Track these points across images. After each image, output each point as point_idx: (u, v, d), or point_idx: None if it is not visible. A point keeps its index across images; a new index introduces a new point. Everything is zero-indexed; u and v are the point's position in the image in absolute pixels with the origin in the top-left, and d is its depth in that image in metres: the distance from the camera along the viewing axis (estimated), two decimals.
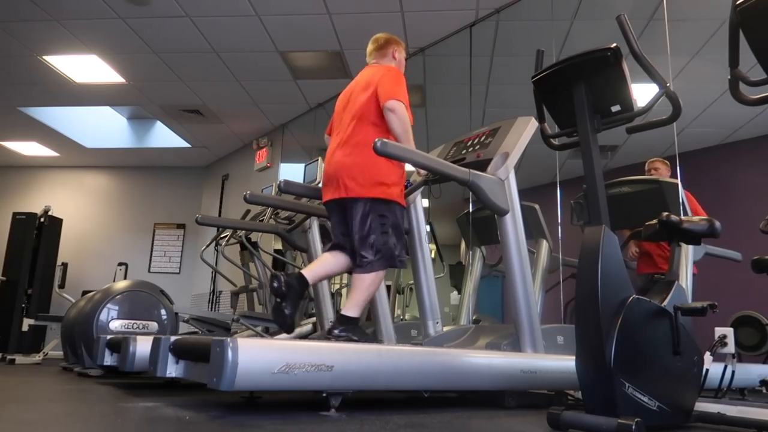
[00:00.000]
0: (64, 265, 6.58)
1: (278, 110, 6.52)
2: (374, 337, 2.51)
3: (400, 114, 2.37)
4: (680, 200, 2.93)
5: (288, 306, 2.31)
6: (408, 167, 2.57)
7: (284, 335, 3.43)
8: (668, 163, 3.86)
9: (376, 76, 2.49)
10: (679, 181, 3.07)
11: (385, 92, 2.40)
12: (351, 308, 2.37)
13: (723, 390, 2.06)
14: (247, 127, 7.04)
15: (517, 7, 4.36)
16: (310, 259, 3.73)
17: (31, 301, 6.05)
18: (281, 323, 2.33)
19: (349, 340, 2.29)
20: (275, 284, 2.30)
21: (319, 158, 3.73)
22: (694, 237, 1.97)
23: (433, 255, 4.32)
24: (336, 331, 2.33)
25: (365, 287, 2.40)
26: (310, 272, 2.42)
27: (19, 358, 5.13)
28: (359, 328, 2.39)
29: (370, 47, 2.72)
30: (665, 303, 1.71)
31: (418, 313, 2.93)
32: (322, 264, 2.51)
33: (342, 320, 2.35)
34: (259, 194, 3.25)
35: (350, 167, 2.42)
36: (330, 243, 2.62)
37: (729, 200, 4.97)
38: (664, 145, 4.04)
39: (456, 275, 5.40)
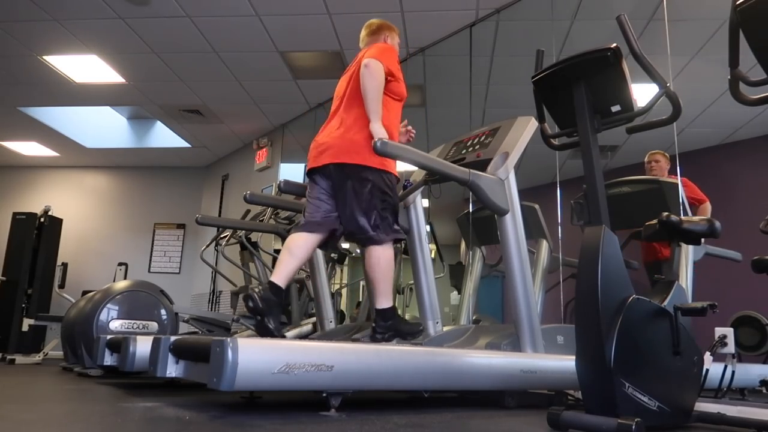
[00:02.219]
0: (64, 265, 6.58)
1: (278, 110, 6.53)
2: (419, 327, 2.50)
3: (372, 69, 2.26)
4: (680, 200, 2.93)
5: (271, 320, 2.22)
6: (408, 167, 2.56)
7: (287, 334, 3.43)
8: (668, 155, 3.87)
9: (367, 52, 2.44)
10: (679, 181, 3.07)
11: (372, 54, 2.34)
12: (381, 300, 2.35)
13: (723, 390, 2.06)
14: (247, 127, 7.04)
15: (517, 7, 4.36)
16: (310, 259, 3.73)
17: (31, 301, 6.05)
18: (375, 339, 2.32)
19: (397, 333, 2.33)
20: (251, 304, 2.20)
21: None
22: (694, 237, 1.97)
23: (433, 255, 4.32)
24: (378, 336, 2.33)
25: (380, 271, 2.34)
26: (279, 277, 2.30)
27: (19, 358, 5.13)
28: (400, 317, 2.38)
29: (363, 33, 2.70)
30: (665, 303, 1.71)
31: (418, 313, 2.93)
32: (285, 263, 2.35)
33: (380, 316, 2.34)
34: (259, 194, 3.25)
35: (340, 141, 2.38)
36: (299, 224, 2.49)
37: (729, 200, 4.97)
38: (664, 145, 4.03)
39: (456, 275, 5.39)
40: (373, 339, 2.37)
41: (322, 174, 2.45)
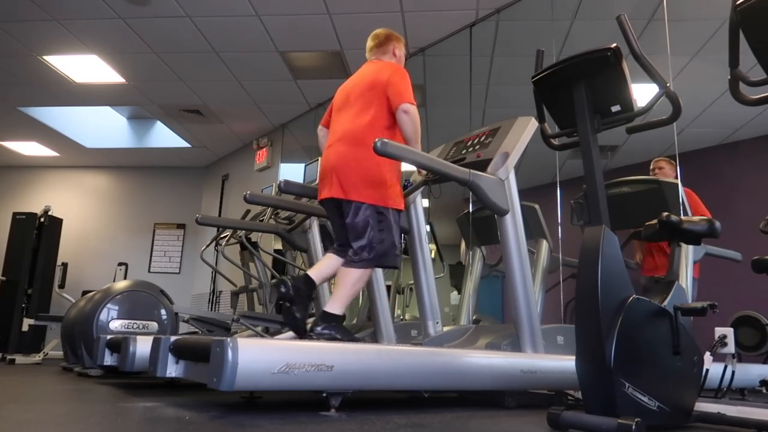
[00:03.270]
0: (64, 265, 6.58)
1: (278, 110, 6.53)
2: (354, 336, 2.47)
3: (413, 116, 2.42)
4: (680, 200, 2.93)
5: (299, 309, 2.28)
6: (409, 167, 2.56)
7: (284, 335, 3.43)
8: (673, 162, 3.86)
9: (382, 74, 2.47)
10: (679, 181, 3.07)
11: (398, 94, 2.41)
12: (335, 305, 2.33)
13: (723, 390, 2.06)
14: (247, 127, 7.04)
15: (517, 7, 4.36)
16: (310, 259, 3.73)
17: (31, 301, 6.05)
18: (294, 328, 2.31)
19: (332, 338, 2.25)
20: (282, 289, 2.26)
21: (319, 158, 3.73)
22: (694, 237, 1.97)
23: (433, 255, 4.32)
24: (318, 329, 2.29)
25: (351, 284, 2.36)
26: (316, 273, 2.41)
27: (19, 358, 5.14)
28: (343, 327, 2.35)
29: (370, 43, 2.70)
30: (665, 303, 1.71)
31: (418, 313, 2.93)
32: (328, 264, 2.49)
33: (324, 317, 2.31)
34: (259, 194, 3.25)
35: (348, 164, 2.40)
36: (334, 242, 2.61)
37: (729, 200, 4.96)
38: (664, 145, 4.03)
39: (456, 275, 5.40)
40: (310, 331, 2.34)
41: (328, 203, 2.52)
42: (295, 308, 2.28)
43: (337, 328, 2.31)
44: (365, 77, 2.55)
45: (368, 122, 2.43)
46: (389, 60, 2.64)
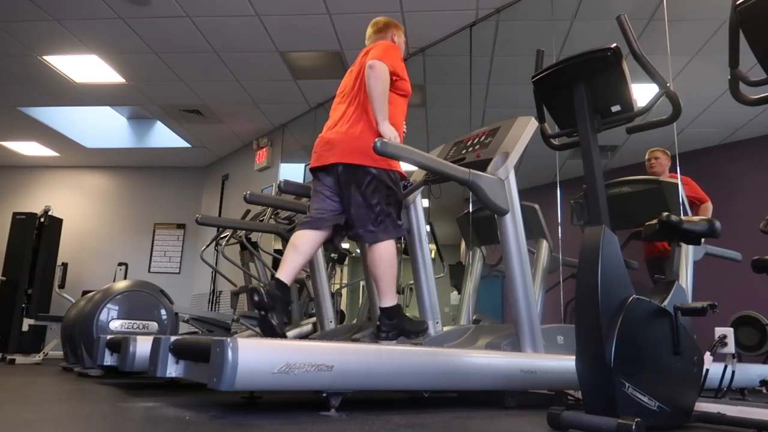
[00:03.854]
0: (64, 265, 6.58)
1: (278, 110, 6.53)
2: (424, 325, 2.50)
3: (377, 71, 2.27)
4: (680, 200, 2.93)
5: (275, 316, 2.23)
6: (409, 167, 2.56)
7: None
8: (668, 152, 3.88)
9: (373, 50, 2.44)
10: (679, 181, 3.07)
11: (375, 54, 2.35)
12: (385, 298, 2.34)
13: (723, 390, 2.06)
14: (247, 127, 7.04)
15: (517, 7, 4.36)
16: (310, 259, 3.72)
17: (31, 301, 6.05)
18: (271, 335, 2.24)
19: (402, 332, 2.32)
20: (256, 299, 2.20)
21: None
22: (694, 237, 1.97)
23: (433, 255, 4.32)
24: (383, 334, 2.32)
25: (384, 268, 2.34)
26: (284, 273, 2.32)
27: (19, 358, 5.13)
28: (406, 317, 2.37)
29: (369, 30, 2.71)
30: (665, 303, 1.71)
31: (418, 313, 2.93)
32: (291, 260, 2.37)
33: (385, 314, 2.33)
34: (259, 194, 3.26)
35: (349, 137, 2.39)
36: (304, 221, 2.50)
37: (729, 200, 4.96)
38: (664, 145, 4.03)
39: (456, 275, 5.39)
40: (378, 337, 2.37)
41: (327, 172, 2.46)
42: (270, 316, 2.22)
43: (400, 319, 2.34)
44: (359, 62, 2.57)
45: (365, 101, 2.42)
46: None
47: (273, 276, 2.30)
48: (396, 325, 2.37)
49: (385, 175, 2.40)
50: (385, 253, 2.36)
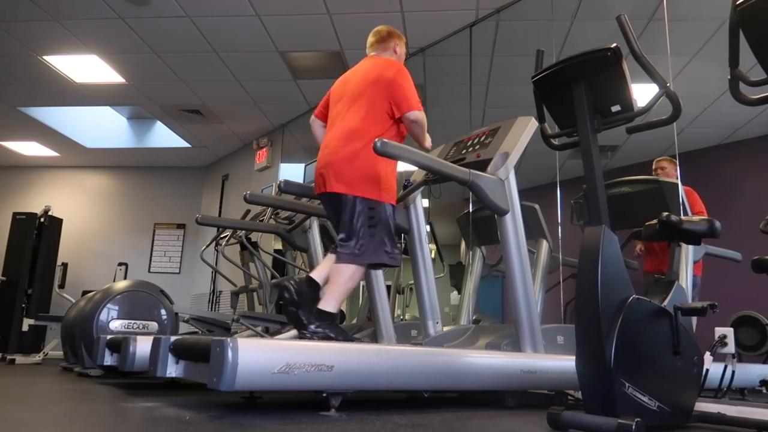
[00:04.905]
0: (64, 265, 6.58)
1: (278, 110, 6.53)
2: (349, 336, 2.41)
3: (422, 124, 2.45)
4: (680, 200, 2.93)
5: (304, 312, 2.23)
6: (408, 167, 2.56)
7: (284, 335, 3.43)
8: (675, 161, 3.86)
9: (387, 72, 2.45)
10: (679, 181, 3.07)
11: (405, 99, 2.42)
12: (328, 302, 2.28)
13: (723, 390, 2.06)
14: (247, 127, 7.04)
15: (517, 7, 4.36)
16: (310, 259, 3.73)
17: (31, 301, 6.05)
18: (301, 330, 2.24)
19: (326, 337, 2.22)
20: (287, 295, 2.22)
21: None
22: (694, 237, 1.97)
23: (433, 255, 4.32)
24: (312, 327, 2.24)
25: (343, 280, 2.31)
26: (318, 274, 2.37)
27: (19, 358, 5.13)
28: (338, 326, 2.31)
29: (371, 39, 2.69)
30: (665, 303, 1.71)
31: (418, 313, 2.93)
32: (328, 267, 2.42)
33: (319, 315, 2.26)
34: (259, 194, 3.26)
35: (345, 159, 2.38)
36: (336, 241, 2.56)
37: (729, 200, 4.97)
38: (664, 145, 4.03)
39: (456, 275, 5.40)
40: (301, 336, 2.30)
41: (325, 199, 2.52)
42: (301, 312, 2.23)
43: (331, 326, 2.26)
44: (366, 73, 2.53)
45: (367, 119, 2.42)
46: (389, 56, 2.63)
47: (273, 276, 2.30)
48: (324, 328, 2.29)
49: (375, 204, 2.38)
50: (353, 273, 2.34)
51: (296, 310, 2.24)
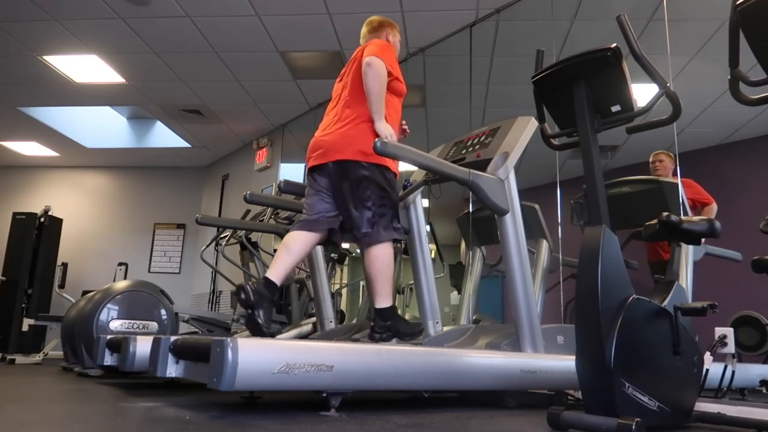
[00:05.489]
0: (64, 265, 6.58)
1: (278, 110, 6.53)
2: (419, 325, 2.48)
3: (375, 68, 2.26)
4: (680, 200, 2.93)
5: (261, 314, 2.20)
6: (408, 167, 2.56)
7: (284, 335, 3.43)
8: (672, 155, 3.87)
9: (367, 47, 2.44)
10: (679, 181, 3.07)
11: (368, 52, 2.33)
12: (380, 300, 2.33)
13: (723, 390, 2.06)
14: (247, 127, 7.04)
15: (517, 7, 4.36)
16: (310, 259, 3.73)
17: (31, 301, 6.05)
18: (258, 334, 2.21)
19: (397, 334, 2.30)
20: (243, 296, 2.19)
21: None
22: (694, 237, 1.97)
23: (433, 255, 4.32)
24: (377, 335, 2.31)
25: (379, 268, 2.32)
26: (274, 273, 2.31)
27: (19, 358, 5.13)
28: (400, 318, 2.35)
29: (364, 29, 2.70)
30: (665, 303, 1.71)
31: (418, 313, 2.93)
32: (281, 260, 2.36)
33: (379, 315, 2.31)
34: (259, 194, 3.26)
35: (346, 137, 2.37)
36: (298, 222, 2.50)
37: (729, 200, 4.96)
38: (664, 145, 4.03)
39: (456, 275, 5.40)
40: (372, 338, 2.36)
41: (321, 172, 2.45)
42: (256, 313, 2.20)
43: (394, 322, 2.33)
44: (352, 61, 2.55)
45: (357, 98, 2.41)
46: None
47: (239, 287, 2.28)
48: (391, 326, 2.36)
49: (378, 173, 2.36)
50: (380, 254, 2.34)
51: (252, 312, 2.20)
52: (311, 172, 2.49)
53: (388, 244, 2.37)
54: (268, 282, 2.27)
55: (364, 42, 2.67)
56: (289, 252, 2.37)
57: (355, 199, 2.34)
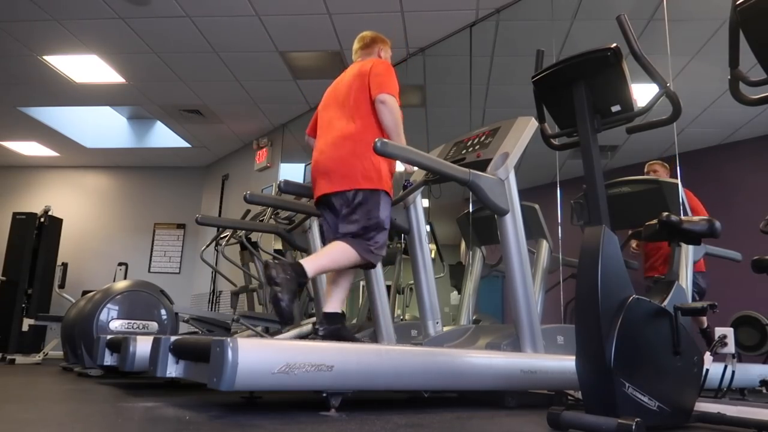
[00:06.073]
0: (64, 265, 6.58)
1: (278, 110, 6.53)
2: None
3: (391, 106, 2.40)
4: (680, 200, 2.93)
5: (286, 295, 2.15)
6: (409, 167, 2.56)
7: (284, 335, 3.43)
8: (667, 165, 3.87)
9: (365, 67, 2.50)
10: (679, 181, 3.07)
11: (377, 84, 2.41)
12: (308, 264, 2.25)
13: (723, 390, 2.06)
14: (247, 127, 7.04)
15: (517, 7, 4.36)
16: None
17: (31, 301, 6.05)
18: (278, 312, 2.16)
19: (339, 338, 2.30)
20: (272, 273, 2.16)
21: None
22: (694, 237, 1.97)
23: (433, 255, 4.32)
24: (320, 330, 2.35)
25: (332, 253, 2.31)
26: (310, 264, 2.30)
27: (19, 358, 5.13)
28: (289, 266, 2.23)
29: (356, 45, 2.73)
30: (665, 303, 1.71)
31: (418, 313, 2.93)
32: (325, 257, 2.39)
33: (298, 270, 2.21)
34: (259, 194, 3.25)
35: (343, 162, 2.41)
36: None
37: (729, 200, 4.97)
38: (664, 145, 4.04)
39: (456, 275, 5.40)
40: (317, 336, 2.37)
41: (325, 200, 2.51)
42: (281, 293, 2.15)
43: (294, 273, 2.23)
44: (352, 77, 2.56)
45: (356, 119, 2.44)
46: None
47: (266, 263, 2.28)
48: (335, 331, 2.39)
49: (372, 201, 2.40)
50: (345, 250, 2.33)
51: (278, 289, 2.16)
52: (317, 200, 2.56)
53: (354, 251, 2.36)
54: (299, 266, 2.23)
55: (357, 58, 2.71)
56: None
57: (344, 219, 2.44)
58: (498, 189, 2.44)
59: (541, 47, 1.94)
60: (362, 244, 2.38)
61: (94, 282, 6.58)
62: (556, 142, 1.98)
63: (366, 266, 2.49)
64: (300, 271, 2.22)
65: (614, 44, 1.64)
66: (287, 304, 2.15)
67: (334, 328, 2.40)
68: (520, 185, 2.54)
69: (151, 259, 8.39)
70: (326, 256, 2.33)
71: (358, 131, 2.42)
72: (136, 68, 5.61)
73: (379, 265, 2.98)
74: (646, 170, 3.91)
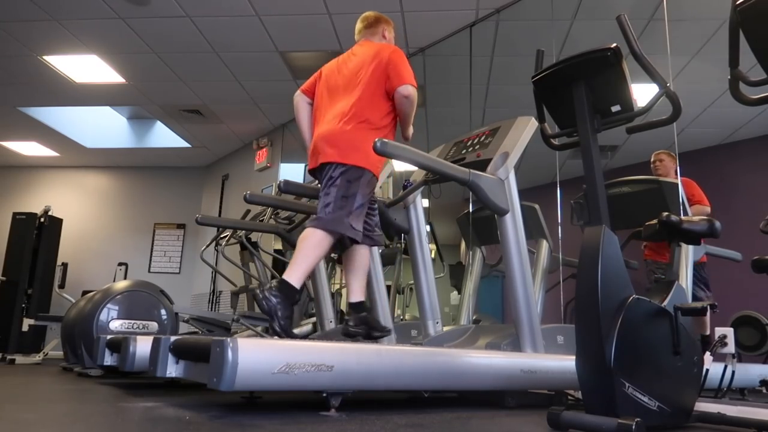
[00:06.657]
0: (64, 265, 6.58)
1: (278, 110, 6.52)
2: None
3: (412, 100, 2.44)
4: (680, 200, 2.93)
5: (285, 322, 2.15)
6: (408, 167, 2.56)
7: None
8: (674, 155, 3.86)
9: (382, 53, 2.44)
10: (679, 181, 3.07)
11: (398, 75, 2.40)
12: (290, 272, 2.20)
13: (723, 390, 2.06)
14: (247, 127, 7.04)
15: (517, 7, 4.36)
16: None
17: (31, 301, 6.05)
18: (286, 336, 2.14)
19: (369, 328, 2.37)
20: (264, 305, 2.13)
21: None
22: (694, 237, 1.97)
23: (433, 255, 4.32)
24: (351, 329, 2.39)
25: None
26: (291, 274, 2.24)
27: (19, 358, 5.14)
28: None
29: (359, 25, 2.68)
30: (665, 303, 1.71)
31: (418, 313, 2.93)
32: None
33: (285, 288, 2.16)
34: (259, 194, 3.26)
35: (340, 135, 2.36)
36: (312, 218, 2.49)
37: (729, 200, 4.97)
38: (664, 145, 4.03)
39: (456, 275, 5.40)
40: (346, 333, 2.36)
41: (321, 172, 2.45)
42: (281, 321, 2.14)
43: (365, 318, 2.39)
44: (360, 59, 2.51)
45: (363, 101, 2.41)
46: (379, 41, 2.61)
47: (273, 276, 2.28)
48: (363, 319, 2.43)
49: (354, 175, 2.33)
50: (319, 238, 2.25)
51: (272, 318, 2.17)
52: (313, 172, 2.50)
53: (327, 236, 2.28)
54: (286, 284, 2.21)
55: (360, 38, 2.65)
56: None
57: (323, 190, 2.42)
58: (498, 189, 2.44)
59: (541, 47, 1.94)
60: (333, 221, 2.27)
61: (94, 282, 6.58)
62: (556, 142, 1.98)
63: (348, 243, 2.40)
64: (287, 289, 2.16)
65: (614, 44, 1.64)
66: (287, 324, 2.16)
67: (362, 316, 2.44)
68: (520, 185, 2.54)
69: (151, 259, 8.39)
70: (300, 258, 2.24)
71: (361, 114, 2.39)
72: (136, 68, 5.61)
73: (379, 265, 2.98)
74: (652, 159, 3.90)
